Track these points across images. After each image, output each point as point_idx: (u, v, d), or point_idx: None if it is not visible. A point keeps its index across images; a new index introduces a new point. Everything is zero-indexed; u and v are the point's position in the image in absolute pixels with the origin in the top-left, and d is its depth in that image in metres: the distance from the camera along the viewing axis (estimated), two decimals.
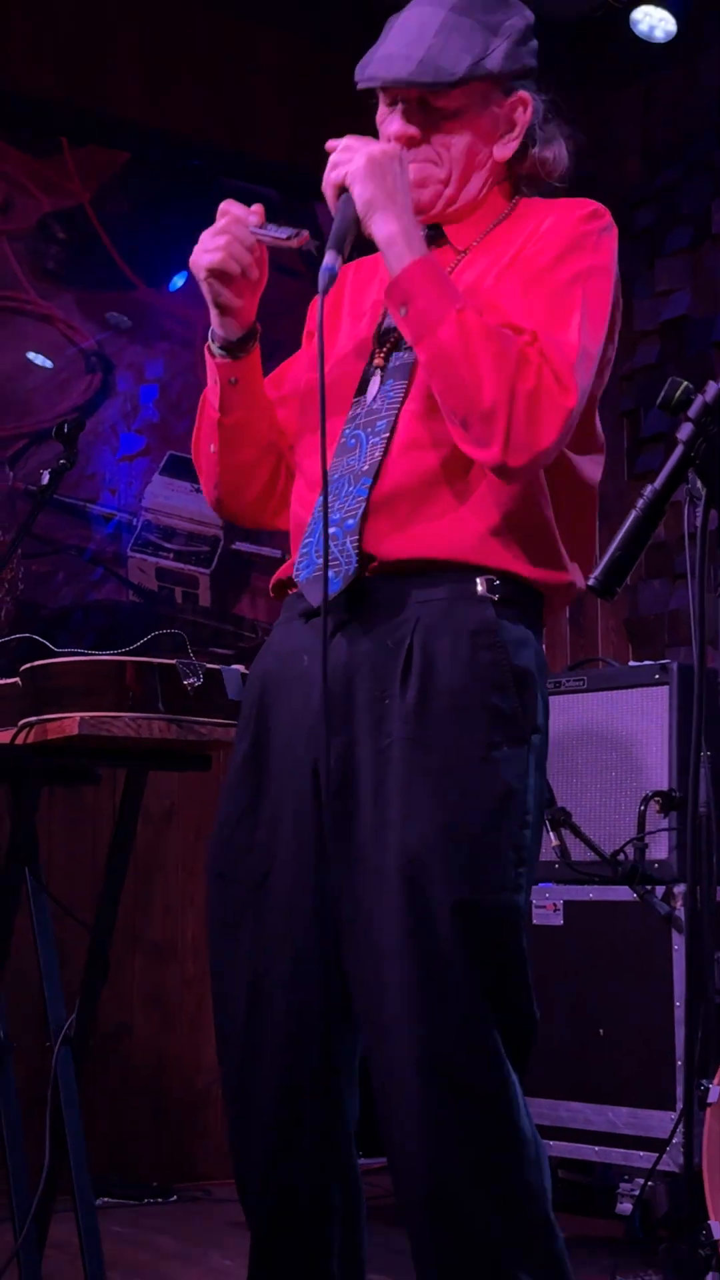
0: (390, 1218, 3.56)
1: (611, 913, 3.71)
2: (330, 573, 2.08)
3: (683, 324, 5.04)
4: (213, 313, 2.21)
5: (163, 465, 4.82)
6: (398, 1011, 2.00)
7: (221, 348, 2.23)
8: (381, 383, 2.17)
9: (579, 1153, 3.69)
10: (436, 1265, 2.01)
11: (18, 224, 4.67)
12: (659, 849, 3.67)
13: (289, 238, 2.13)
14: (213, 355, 2.24)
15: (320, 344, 2.05)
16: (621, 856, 3.67)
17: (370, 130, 2.20)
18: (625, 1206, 3.57)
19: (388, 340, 2.19)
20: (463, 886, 2.00)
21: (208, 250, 2.16)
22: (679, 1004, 3.52)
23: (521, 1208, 2.01)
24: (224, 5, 5.01)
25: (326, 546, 2.05)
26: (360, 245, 2.12)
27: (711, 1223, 2.88)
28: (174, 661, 2.65)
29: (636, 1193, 3.53)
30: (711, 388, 1.90)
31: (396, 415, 2.12)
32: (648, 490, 1.88)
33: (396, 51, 2.14)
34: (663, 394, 1.89)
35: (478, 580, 2.09)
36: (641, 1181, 3.52)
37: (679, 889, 3.59)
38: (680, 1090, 3.47)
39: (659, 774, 3.73)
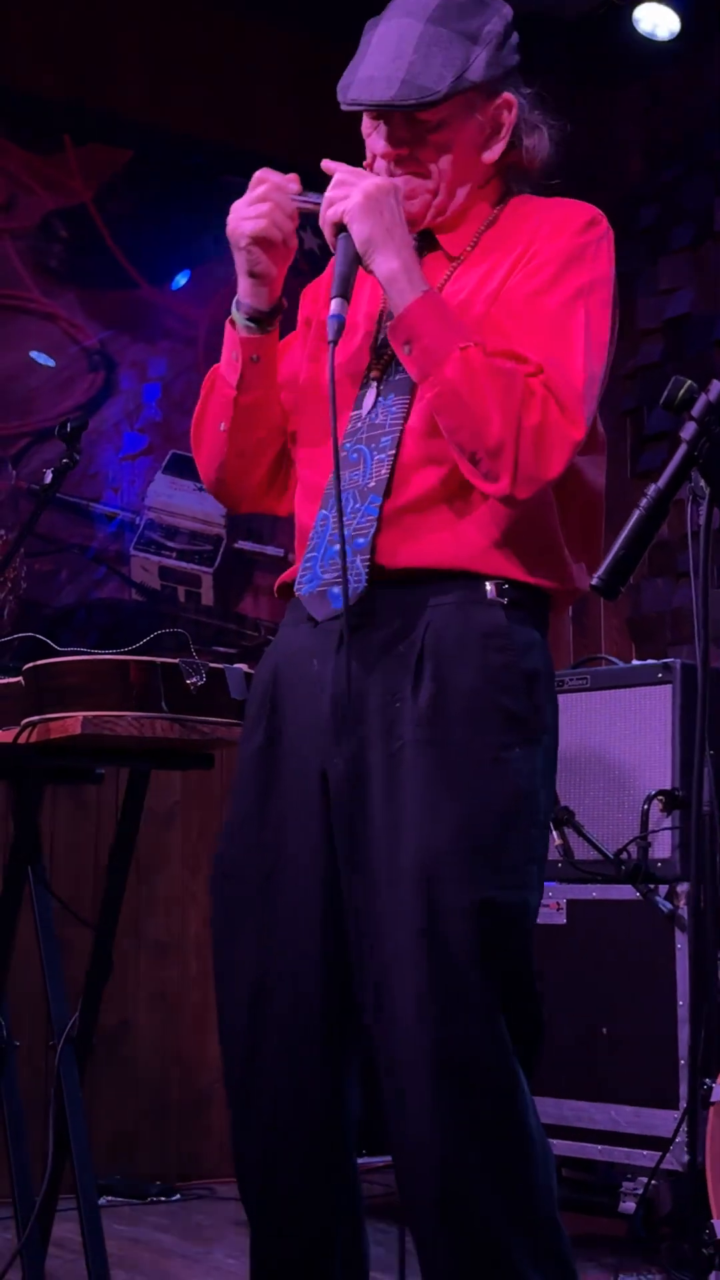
0: (389, 1216, 3.56)
1: (614, 912, 3.70)
2: (337, 589, 2.09)
3: (685, 322, 5.04)
4: (245, 283, 2.20)
5: (165, 464, 4.82)
6: (410, 1011, 2.00)
7: (250, 319, 2.21)
8: (380, 396, 2.17)
9: (582, 1151, 3.69)
10: (447, 1265, 2.01)
11: (20, 222, 4.67)
12: (662, 848, 3.67)
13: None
14: (237, 330, 2.22)
15: (332, 393, 2.02)
16: (624, 855, 3.67)
17: None
18: (628, 1205, 3.57)
19: (384, 353, 2.19)
20: (479, 887, 2.00)
21: (248, 217, 2.15)
22: (682, 1003, 3.52)
23: (531, 1207, 2.01)
24: (226, 4, 5.01)
25: (344, 561, 2.05)
26: None
27: (715, 1221, 2.88)
28: (177, 661, 2.65)
29: (639, 1192, 3.53)
30: (715, 387, 1.90)
31: (401, 432, 2.12)
32: (651, 490, 1.88)
33: (377, 73, 2.12)
34: (666, 393, 1.89)
35: (487, 584, 2.09)
36: (644, 1180, 3.52)
37: (682, 888, 3.58)
38: (682, 1089, 3.47)
39: (662, 773, 3.72)
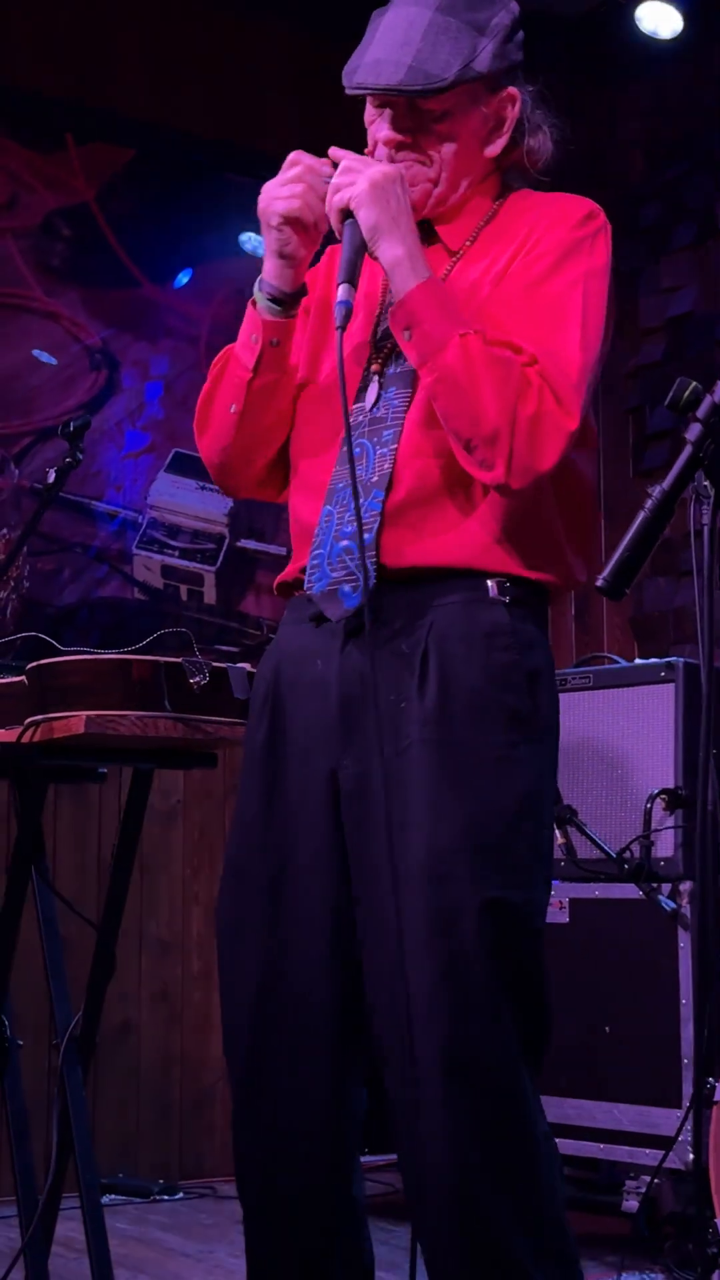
0: (391, 1214, 3.56)
1: (617, 910, 3.70)
2: (347, 587, 2.10)
3: (687, 321, 5.04)
4: (272, 263, 2.18)
5: (168, 462, 4.82)
6: (420, 1011, 2.00)
7: (272, 299, 2.20)
8: (382, 389, 2.17)
9: (584, 1150, 3.69)
10: (451, 1264, 2.01)
11: (23, 221, 4.67)
12: (665, 846, 3.67)
13: None
14: (258, 311, 2.21)
15: (342, 379, 2.02)
16: (627, 854, 3.67)
17: None
18: (631, 1204, 3.57)
19: (385, 345, 2.19)
20: (488, 886, 2.00)
21: (281, 197, 2.14)
22: (685, 1001, 3.52)
23: (536, 1207, 2.02)
24: (227, 2, 5.01)
25: (365, 566, 2.06)
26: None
27: (718, 1220, 2.88)
28: (180, 660, 2.64)
29: (642, 1190, 3.53)
30: None
31: (403, 424, 2.12)
32: (656, 491, 1.88)
33: (385, 56, 2.12)
34: (671, 394, 1.89)
35: (489, 583, 2.10)
36: (647, 1179, 3.52)
37: (685, 886, 3.58)
38: (685, 1088, 3.47)
39: (664, 771, 3.72)
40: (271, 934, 2.13)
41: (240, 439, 2.26)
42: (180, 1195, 4.37)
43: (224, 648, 4.72)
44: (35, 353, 4.66)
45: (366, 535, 2.09)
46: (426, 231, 2.20)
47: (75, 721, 2.57)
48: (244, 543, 4.92)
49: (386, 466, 2.11)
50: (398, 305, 2.07)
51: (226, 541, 4.90)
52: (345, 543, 2.11)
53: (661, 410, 4.97)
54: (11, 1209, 2.91)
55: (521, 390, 2.02)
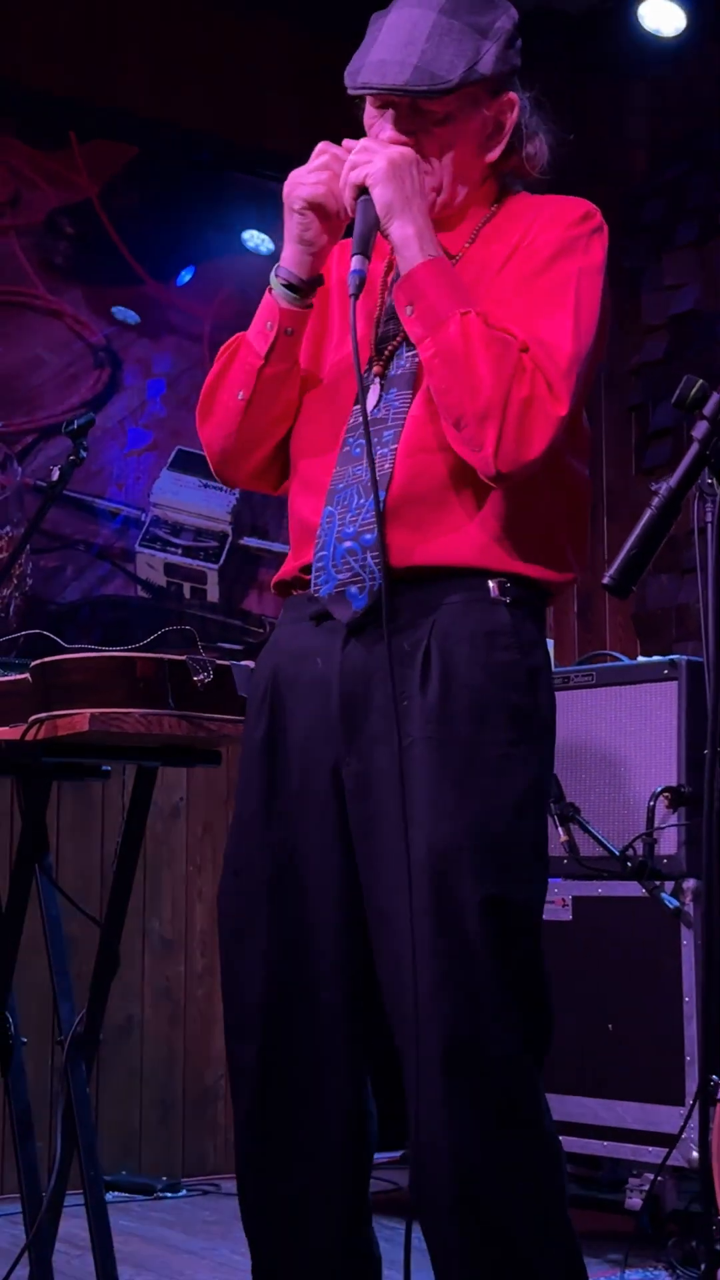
0: (393, 1210, 3.56)
1: (620, 908, 3.71)
2: (354, 589, 2.11)
3: (690, 318, 5.04)
4: (291, 249, 2.20)
5: (170, 460, 4.82)
6: (424, 1008, 2.00)
7: (288, 285, 2.20)
8: (383, 390, 2.17)
9: (588, 1148, 3.70)
10: (455, 1259, 2.01)
11: (26, 219, 4.67)
12: (668, 844, 3.67)
13: None
14: (275, 298, 2.21)
15: (355, 345, 2.03)
16: (630, 852, 3.67)
17: None
18: (634, 1201, 3.57)
19: (386, 347, 2.20)
20: (490, 883, 2.01)
21: (307, 183, 2.16)
22: (688, 999, 3.52)
23: (543, 1206, 2.02)
24: (229, 2, 5.01)
25: (386, 566, 2.06)
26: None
27: None
28: (184, 657, 2.64)
29: (645, 1188, 3.53)
30: None
31: (402, 424, 2.13)
32: (663, 489, 1.88)
33: (389, 57, 2.13)
34: (678, 392, 1.89)
35: (490, 583, 2.10)
36: (650, 1176, 3.52)
37: (688, 884, 3.59)
38: (688, 1085, 3.47)
39: (667, 769, 3.72)
40: (277, 933, 2.13)
41: (245, 428, 2.25)
42: (183, 1192, 4.37)
43: (227, 645, 4.73)
44: (38, 350, 4.65)
45: (367, 536, 2.09)
46: None
47: (79, 719, 2.57)
48: (247, 540, 4.92)
49: (386, 466, 2.12)
50: (404, 279, 2.09)
51: (229, 539, 4.90)
52: (348, 544, 2.11)
53: (664, 408, 4.97)
54: (16, 1206, 2.91)
55: (517, 372, 2.03)
